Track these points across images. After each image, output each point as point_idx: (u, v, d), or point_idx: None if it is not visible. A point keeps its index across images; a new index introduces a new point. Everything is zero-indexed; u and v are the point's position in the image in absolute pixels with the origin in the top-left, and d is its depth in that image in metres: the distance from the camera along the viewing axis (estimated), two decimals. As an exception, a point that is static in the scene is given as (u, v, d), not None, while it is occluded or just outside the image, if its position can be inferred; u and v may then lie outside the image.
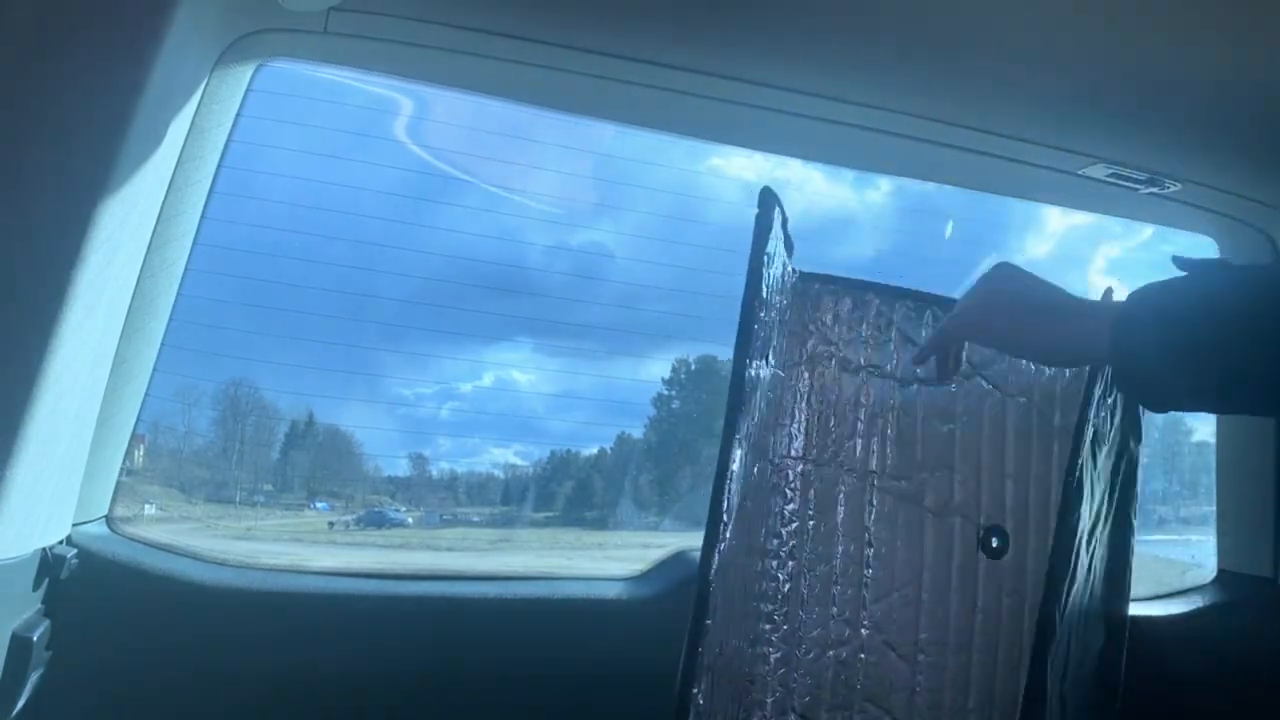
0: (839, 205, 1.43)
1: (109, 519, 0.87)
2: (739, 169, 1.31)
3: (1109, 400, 0.87)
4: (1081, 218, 1.34)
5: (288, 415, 1.28)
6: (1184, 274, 0.75)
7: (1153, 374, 0.66)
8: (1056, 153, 1.00)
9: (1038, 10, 0.75)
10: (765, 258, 0.72)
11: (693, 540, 1.03)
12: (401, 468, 1.41)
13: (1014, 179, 1.09)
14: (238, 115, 0.83)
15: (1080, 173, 1.06)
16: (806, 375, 0.87)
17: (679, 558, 1.04)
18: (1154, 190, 1.08)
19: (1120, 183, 1.07)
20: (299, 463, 1.31)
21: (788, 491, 0.87)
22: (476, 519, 1.43)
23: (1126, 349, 0.66)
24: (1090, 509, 0.87)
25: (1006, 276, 0.74)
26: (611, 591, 1.00)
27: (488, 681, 0.94)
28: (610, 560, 1.34)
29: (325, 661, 0.89)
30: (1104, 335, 0.67)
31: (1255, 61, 0.80)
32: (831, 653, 0.86)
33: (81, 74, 0.55)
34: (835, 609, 0.86)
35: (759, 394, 0.77)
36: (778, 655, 0.85)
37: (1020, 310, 0.73)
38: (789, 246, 0.84)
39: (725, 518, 0.69)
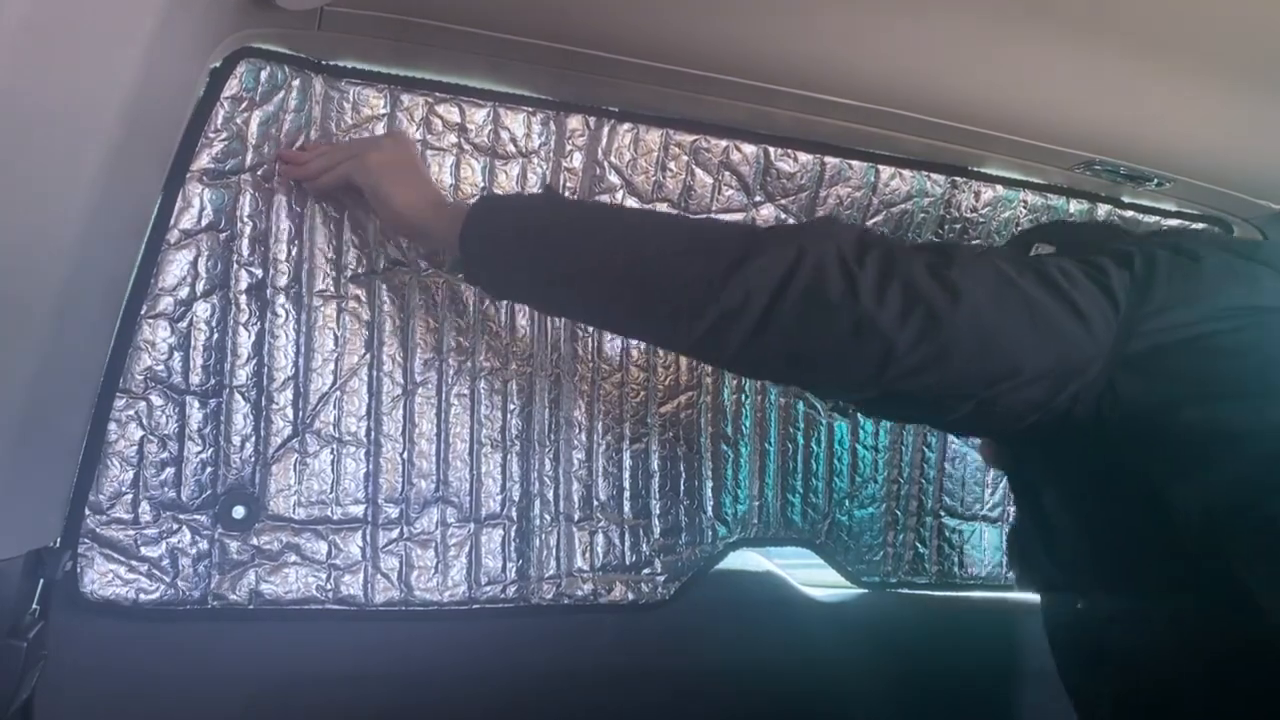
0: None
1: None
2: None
3: None
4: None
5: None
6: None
7: (497, 255, 0.74)
8: (1049, 147, 1.00)
9: (1035, 6, 0.75)
10: None
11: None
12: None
13: (1007, 171, 1.10)
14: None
15: (1073, 168, 1.06)
16: None
17: (700, 577, 1.04)
18: (1147, 186, 1.09)
19: (1113, 178, 1.07)
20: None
21: None
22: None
23: (476, 228, 0.74)
24: None
25: (407, 141, 0.86)
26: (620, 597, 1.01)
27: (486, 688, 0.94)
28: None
29: (329, 657, 0.89)
30: (460, 217, 0.75)
31: (1254, 58, 0.80)
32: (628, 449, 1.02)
33: (71, 73, 0.55)
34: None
35: None
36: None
37: (407, 169, 0.83)
38: None
39: None
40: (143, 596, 0.82)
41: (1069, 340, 0.65)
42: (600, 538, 1.01)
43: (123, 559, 0.81)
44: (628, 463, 1.02)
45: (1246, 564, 0.61)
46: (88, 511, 0.80)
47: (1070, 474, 0.75)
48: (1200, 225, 1.20)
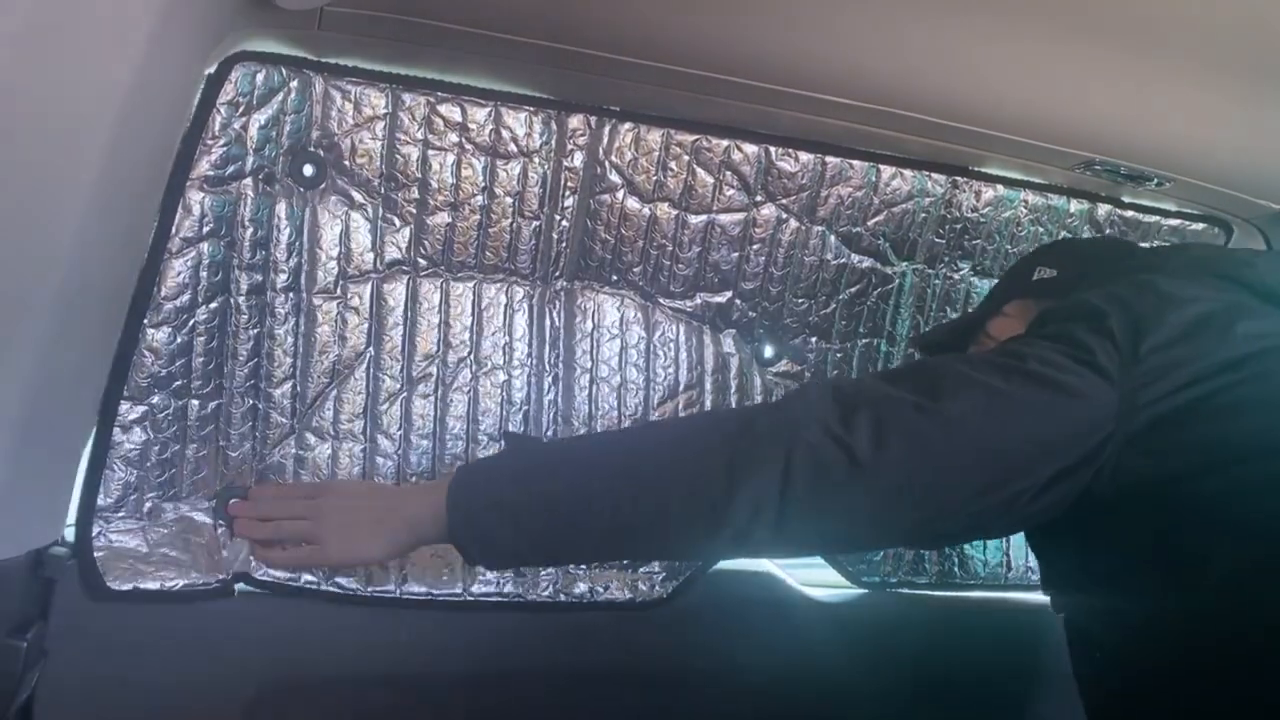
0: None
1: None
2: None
3: None
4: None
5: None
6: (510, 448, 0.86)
7: (489, 524, 0.69)
8: (1049, 147, 1.00)
9: (1036, 6, 0.75)
10: None
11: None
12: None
13: (1007, 171, 1.10)
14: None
15: (1073, 168, 1.06)
16: None
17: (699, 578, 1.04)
18: (1147, 186, 1.09)
19: (1113, 178, 1.07)
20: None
21: None
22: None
23: (461, 507, 0.69)
24: None
25: (335, 507, 0.78)
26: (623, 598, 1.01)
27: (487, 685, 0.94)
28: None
29: (331, 652, 0.89)
30: (440, 504, 0.70)
31: (1254, 58, 0.80)
32: None
33: (69, 79, 0.55)
34: None
35: None
36: None
37: (362, 524, 0.75)
38: None
39: None
40: (152, 587, 0.82)
41: (1077, 429, 0.64)
42: None
43: (131, 555, 0.82)
44: None
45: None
46: (98, 512, 0.80)
47: (1089, 542, 0.73)
48: (1200, 225, 1.20)
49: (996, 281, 1.06)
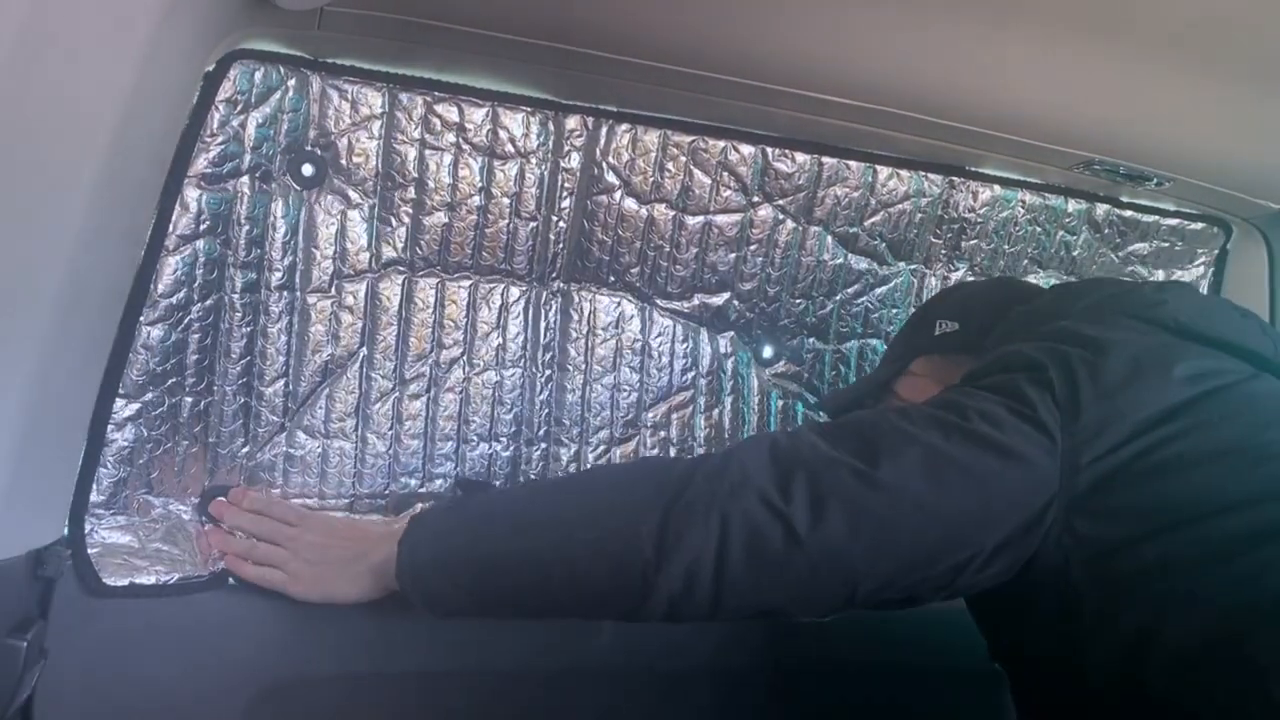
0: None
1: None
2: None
3: None
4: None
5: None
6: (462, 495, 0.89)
7: (433, 582, 0.72)
8: (1048, 147, 1.00)
9: (1035, 5, 0.75)
10: None
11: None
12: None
13: (1005, 171, 1.10)
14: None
15: (1072, 167, 1.06)
16: None
17: None
18: (1146, 186, 1.08)
19: (1113, 178, 1.07)
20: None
21: None
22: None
23: (407, 563, 0.71)
24: None
25: (311, 544, 0.82)
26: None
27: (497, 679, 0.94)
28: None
29: (328, 646, 0.89)
30: (394, 555, 0.73)
31: (1254, 58, 0.80)
32: (617, 449, 1.03)
33: (71, 72, 0.55)
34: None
35: None
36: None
37: (332, 559, 0.80)
38: None
39: None
40: (148, 581, 0.82)
41: (1021, 494, 0.62)
42: None
43: (124, 551, 0.82)
44: (617, 461, 1.03)
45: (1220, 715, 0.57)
46: (90, 509, 0.81)
47: (1035, 613, 0.68)
48: (1199, 225, 1.20)
49: (890, 342, 1.04)
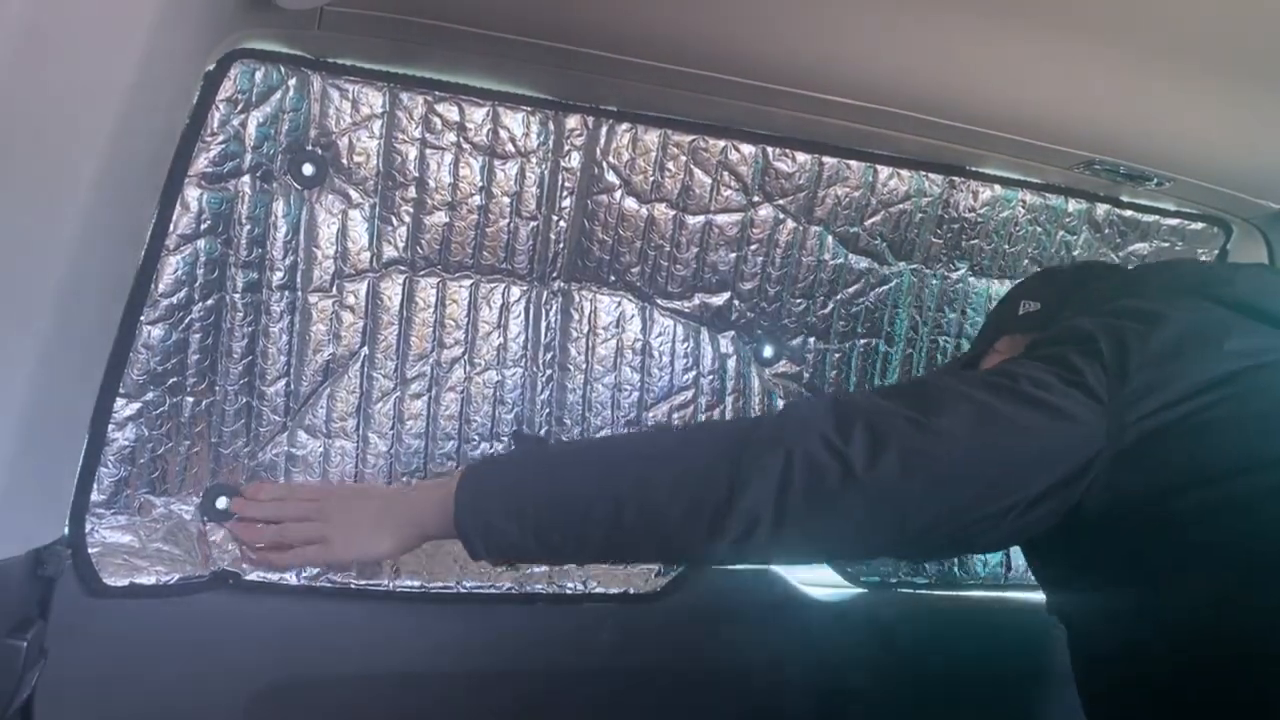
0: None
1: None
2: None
3: None
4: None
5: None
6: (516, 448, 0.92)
7: (496, 518, 0.73)
8: (1048, 147, 1.00)
9: (1035, 5, 0.75)
10: None
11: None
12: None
13: (1005, 171, 1.10)
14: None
15: (1072, 167, 1.06)
16: None
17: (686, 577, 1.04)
18: (1147, 185, 1.08)
19: (1113, 178, 1.07)
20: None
21: None
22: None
23: (468, 499, 0.73)
24: None
25: (339, 507, 0.82)
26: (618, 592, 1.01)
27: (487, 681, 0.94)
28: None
29: (327, 646, 0.89)
30: (447, 497, 0.74)
31: (1254, 58, 0.80)
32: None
33: (71, 72, 0.55)
34: None
35: None
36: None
37: (369, 524, 0.80)
38: None
39: None
40: (148, 582, 0.83)
41: (1066, 448, 0.66)
42: None
43: (125, 551, 0.82)
44: None
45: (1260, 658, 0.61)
46: (91, 509, 0.81)
47: (1078, 554, 0.74)
48: (1200, 225, 1.20)
49: (984, 320, 1.07)
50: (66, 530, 0.78)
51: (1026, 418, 0.66)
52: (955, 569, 1.20)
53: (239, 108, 0.82)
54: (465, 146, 0.91)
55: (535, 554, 0.75)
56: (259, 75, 0.82)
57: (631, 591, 1.01)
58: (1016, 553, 1.23)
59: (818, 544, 0.72)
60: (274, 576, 0.88)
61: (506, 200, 0.94)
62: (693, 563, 0.88)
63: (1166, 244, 1.21)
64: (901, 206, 1.09)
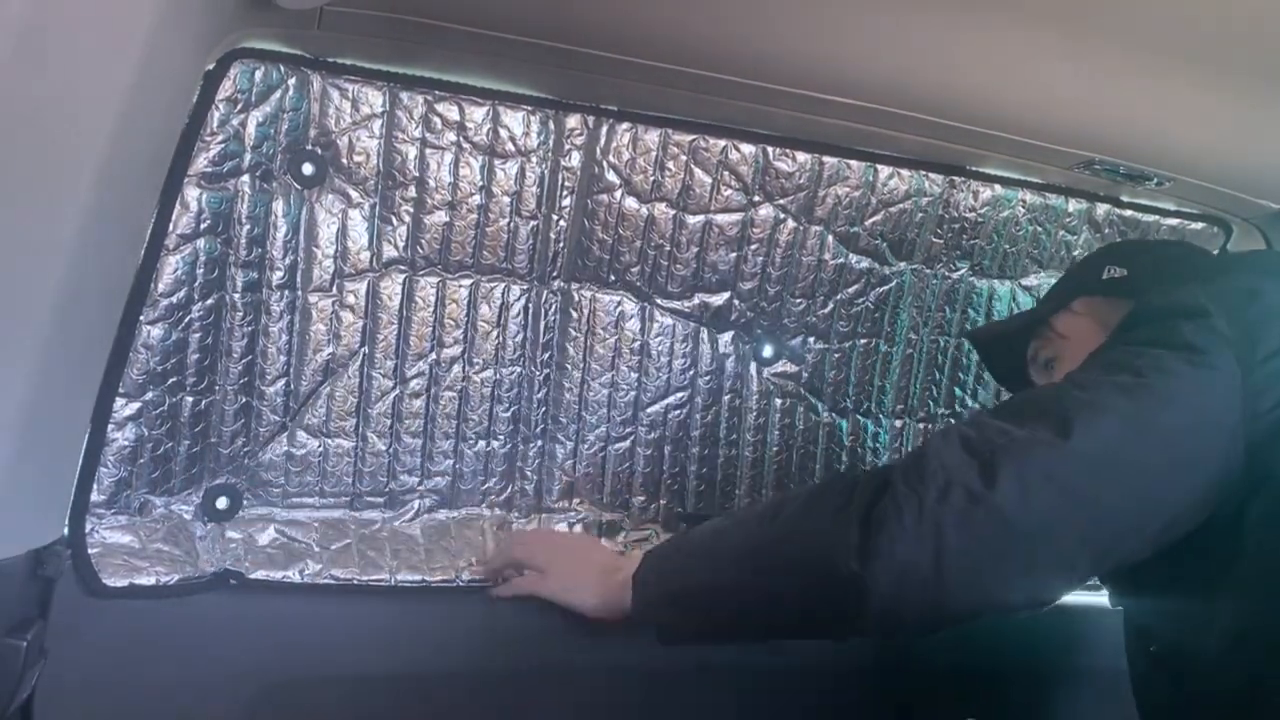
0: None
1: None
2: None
3: None
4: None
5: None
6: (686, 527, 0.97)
7: (665, 619, 0.80)
8: (1048, 146, 1.00)
9: (1035, 5, 0.75)
10: None
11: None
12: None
13: (1005, 171, 1.10)
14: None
15: (1072, 167, 1.06)
16: None
17: None
18: (1146, 185, 1.08)
19: (1113, 178, 1.07)
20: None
21: None
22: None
23: (641, 598, 0.81)
24: None
25: (565, 545, 0.96)
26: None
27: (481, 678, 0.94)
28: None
29: (328, 645, 0.89)
30: (629, 585, 0.82)
31: (1254, 58, 0.80)
32: (613, 447, 1.04)
33: (71, 72, 0.55)
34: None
35: None
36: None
37: (589, 568, 0.90)
38: None
39: None
40: (148, 582, 0.83)
41: (1217, 431, 0.63)
42: (579, 529, 1.02)
43: (125, 551, 0.82)
44: (612, 458, 1.03)
45: None
46: (91, 509, 0.81)
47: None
48: (1200, 225, 1.20)
49: (1060, 278, 1.05)
50: (66, 530, 0.78)
51: (1169, 418, 0.63)
52: None
53: (239, 107, 0.82)
54: (465, 146, 0.91)
55: (708, 640, 0.83)
56: (259, 75, 0.82)
57: None
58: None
59: (988, 604, 0.66)
60: (275, 575, 0.88)
61: (506, 200, 0.94)
62: (853, 635, 0.77)
63: (1253, 251, 1.20)
64: (902, 206, 1.09)
